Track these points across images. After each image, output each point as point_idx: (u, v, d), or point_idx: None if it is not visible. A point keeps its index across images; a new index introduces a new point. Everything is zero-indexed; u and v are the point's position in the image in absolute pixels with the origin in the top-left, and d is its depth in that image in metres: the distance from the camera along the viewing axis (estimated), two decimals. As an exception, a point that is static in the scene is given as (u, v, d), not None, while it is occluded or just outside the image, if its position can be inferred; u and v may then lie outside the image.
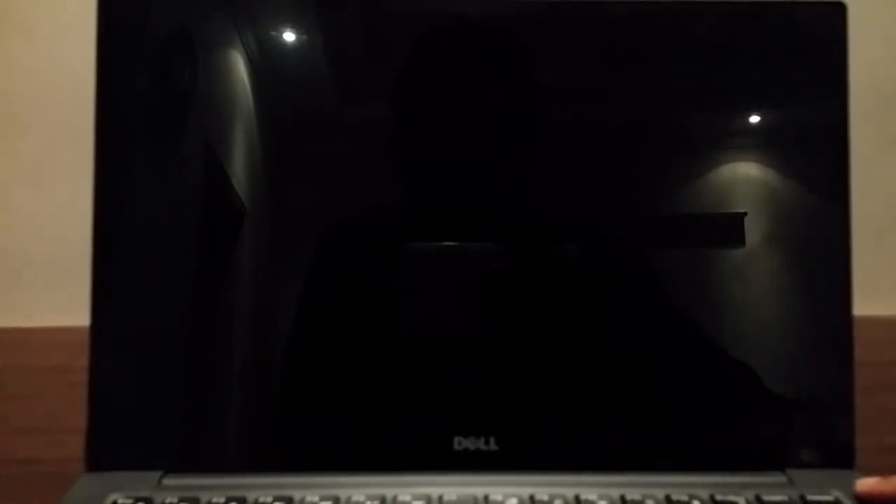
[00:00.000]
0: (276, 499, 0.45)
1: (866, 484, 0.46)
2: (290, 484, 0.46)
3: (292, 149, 0.51)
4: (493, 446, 0.48)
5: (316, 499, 0.45)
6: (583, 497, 0.45)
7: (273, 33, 0.51)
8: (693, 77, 0.52)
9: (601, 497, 0.45)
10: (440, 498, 0.45)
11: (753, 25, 0.51)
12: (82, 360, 0.48)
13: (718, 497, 0.45)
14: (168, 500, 0.45)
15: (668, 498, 0.45)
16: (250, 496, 0.45)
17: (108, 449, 0.48)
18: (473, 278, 0.49)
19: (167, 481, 0.47)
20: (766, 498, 0.45)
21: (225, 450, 0.49)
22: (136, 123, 0.50)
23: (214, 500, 0.45)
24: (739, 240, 0.51)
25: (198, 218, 0.50)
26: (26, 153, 0.68)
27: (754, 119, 0.52)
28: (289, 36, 0.51)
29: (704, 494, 0.46)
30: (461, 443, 0.48)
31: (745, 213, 0.51)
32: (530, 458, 0.49)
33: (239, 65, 0.50)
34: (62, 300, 0.58)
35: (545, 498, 0.45)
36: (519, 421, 0.49)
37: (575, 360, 0.50)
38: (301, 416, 0.49)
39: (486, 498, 0.45)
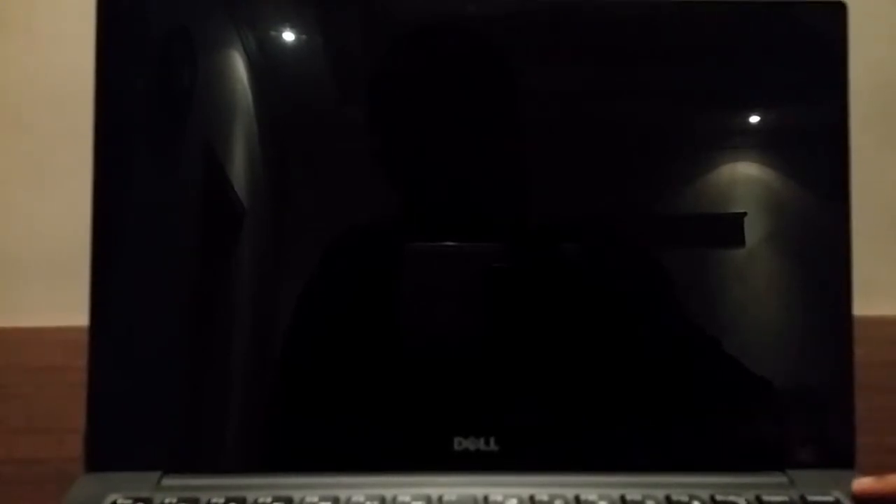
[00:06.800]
0: (276, 499, 0.45)
1: (862, 484, 0.46)
2: (290, 484, 0.46)
3: (292, 149, 0.51)
4: (492, 446, 0.48)
5: (316, 499, 0.45)
6: (583, 497, 0.45)
7: (273, 33, 0.51)
8: (693, 77, 0.52)
9: (601, 497, 0.45)
10: (440, 498, 0.45)
11: (753, 25, 0.51)
12: (82, 360, 0.48)
13: (718, 497, 0.45)
14: (168, 500, 0.45)
15: (668, 498, 0.45)
16: (250, 496, 0.45)
17: (107, 449, 0.48)
18: (474, 278, 0.49)
19: (167, 481, 0.47)
20: (766, 498, 0.45)
21: (225, 450, 0.49)
22: (136, 123, 0.50)
23: (214, 500, 0.45)
24: (739, 240, 0.51)
25: (197, 218, 0.50)
26: (26, 153, 0.68)
27: (754, 119, 0.52)
28: (289, 36, 0.51)
29: (704, 494, 0.46)
30: (461, 443, 0.48)
31: (745, 213, 0.51)
32: (530, 458, 0.49)
33: (239, 65, 0.50)
34: (62, 300, 0.58)
35: (545, 498, 0.45)
36: (519, 421, 0.49)
37: (575, 360, 0.50)
38: (301, 416, 0.49)
39: (486, 498, 0.45)
